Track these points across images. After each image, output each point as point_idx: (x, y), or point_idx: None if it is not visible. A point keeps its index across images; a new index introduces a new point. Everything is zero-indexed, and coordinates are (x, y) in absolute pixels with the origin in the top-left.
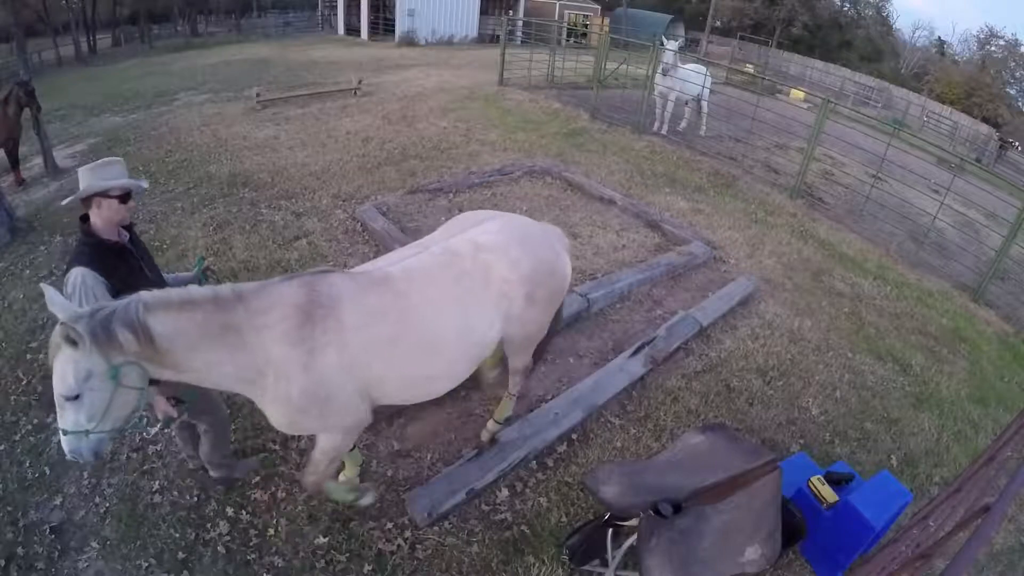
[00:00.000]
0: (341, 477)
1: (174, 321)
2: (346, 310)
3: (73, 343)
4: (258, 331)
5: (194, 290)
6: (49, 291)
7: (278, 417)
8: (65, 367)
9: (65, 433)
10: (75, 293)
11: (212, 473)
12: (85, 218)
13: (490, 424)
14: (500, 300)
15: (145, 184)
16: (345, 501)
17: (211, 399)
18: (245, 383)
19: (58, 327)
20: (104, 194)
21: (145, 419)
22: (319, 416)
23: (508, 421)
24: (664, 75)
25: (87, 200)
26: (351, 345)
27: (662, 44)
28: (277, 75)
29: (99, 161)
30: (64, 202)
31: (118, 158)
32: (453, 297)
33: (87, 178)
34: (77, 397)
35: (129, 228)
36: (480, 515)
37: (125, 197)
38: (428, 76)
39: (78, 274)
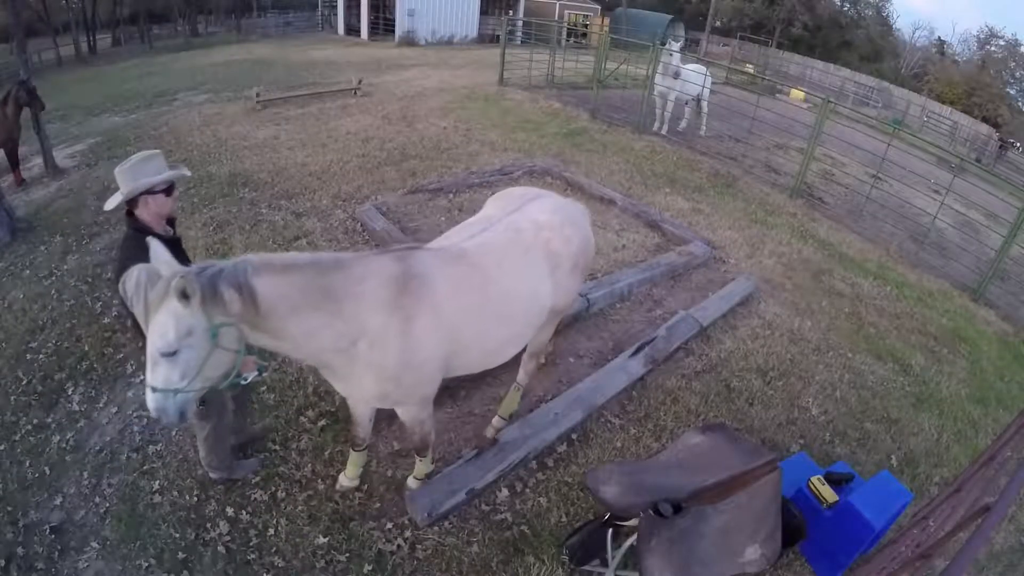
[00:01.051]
0: (341, 477)
1: (278, 284)
2: (437, 281)
3: (185, 297)
4: (356, 299)
5: (297, 255)
6: (155, 244)
7: (369, 387)
8: (167, 322)
9: (154, 390)
10: (140, 290)
11: (212, 475)
12: (130, 213)
13: (495, 420)
14: (554, 271)
15: (187, 172)
16: (424, 472)
17: (220, 401)
18: (336, 353)
19: (168, 281)
20: (150, 191)
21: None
22: (411, 385)
23: (512, 417)
24: (675, 78)
25: (133, 199)
26: (443, 314)
27: (666, 46)
28: (277, 75)
29: (136, 157)
30: (109, 206)
31: (156, 151)
32: (522, 268)
33: (128, 177)
34: (174, 354)
35: (171, 222)
36: (480, 515)
37: (169, 189)
38: (428, 76)
39: (141, 271)
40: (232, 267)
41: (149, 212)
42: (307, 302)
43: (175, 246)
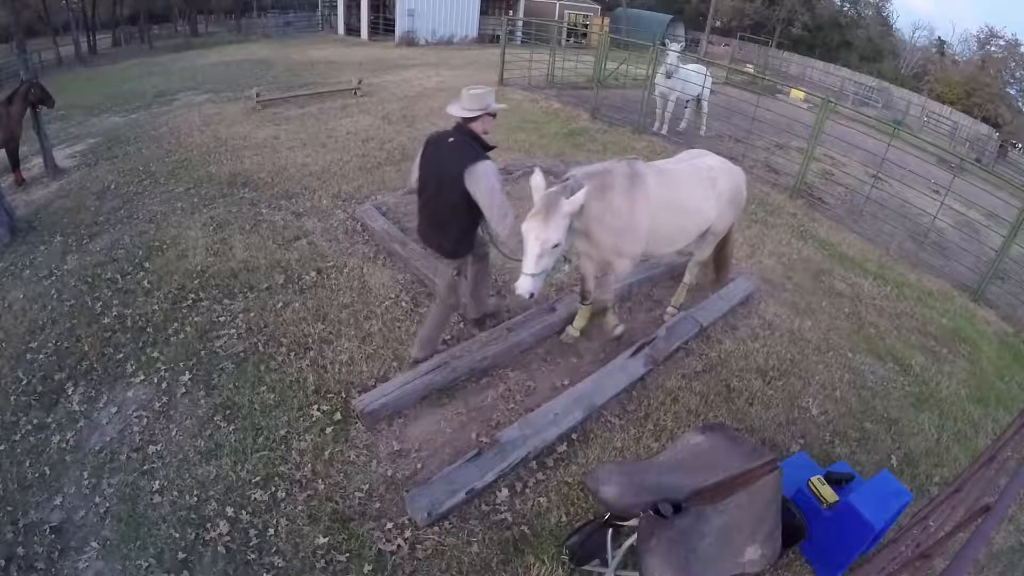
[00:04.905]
0: (569, 328)
1: (589, 190)
2: (650, 181)
3: (570, 204)
4: (611, 189)
5: (589, 167)
6: (537, 178)
7: (607, 241)
8: (559, 223)
9: (532, 276)
10: (487, 175)
11: (471, 314)
12: (463, 124)
13: (669, 310)
14: (717, 199)
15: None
16: (610, 325)
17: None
18: (595, 222)
19: (557, 197)
20: (487, 112)
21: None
22: (629, 242)
23: (680, 307)
24: (668, 77)
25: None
26: (653, 201)
27: (664, 45)
28: (277, 75)
29: (480, 89)
30: (452, 112)
31: (491, 88)
32: (696, 189)
33: (476, 99)
34: (556, 245)
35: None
36: (480, 515)
37: (494, 115)
38: (428, 76)
39: (489, 165)
40: (574, 182)
41: (481, 126)
42: (594, 195)
43: (487, 149)
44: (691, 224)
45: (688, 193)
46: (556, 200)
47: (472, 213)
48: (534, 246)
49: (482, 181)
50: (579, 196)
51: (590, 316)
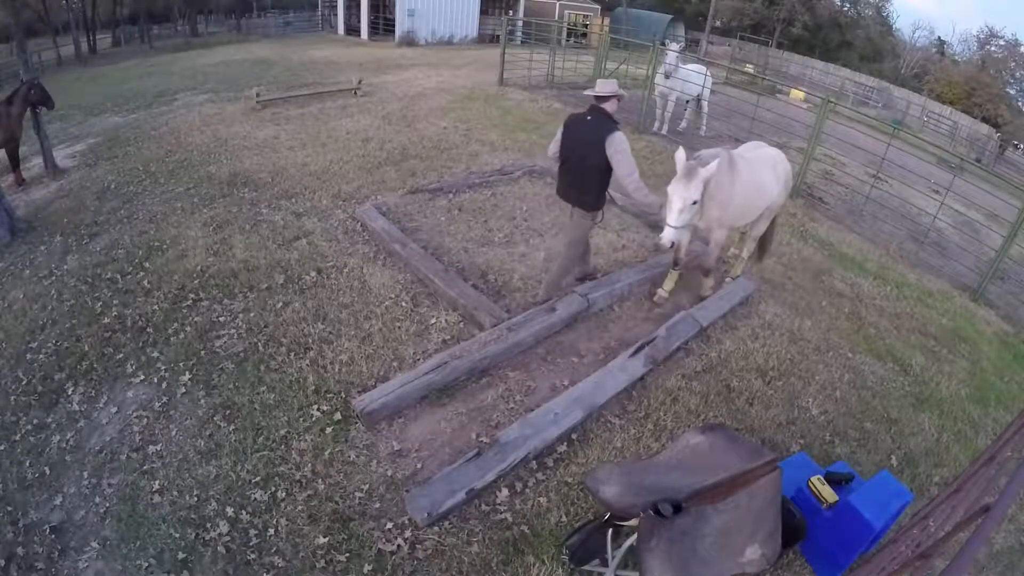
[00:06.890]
0: (660, 290)
1: (715, 171)
2: (741, 165)
3: (707, 171)
4: (721, 172)
5: (705, 151)
6: (681, 153)
7: (714, 213)
8: (697, 185)
9: (674, 228)
10: (622, 142)
11: (577, 274)
12: (597, 105)
13: (727, 280)
14: (777, 180)
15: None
16: (707, 287)
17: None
18: (708, 197)
19: (696, 165)
20: (617, 96)
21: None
22: (728, 215)
23: (736, 279)
24: (667, 77)
25: (606, 97)
26: (743, 180)
27: (664, 45)
28: (277, 75)
29: (611, 79)
30: (588, 92)
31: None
32: (765, 173)
33: (610, 85)
34: (695, 203)
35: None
36: (480, 515)
37: (620, 98)
38: (428, 76)
39: (622, 135)
40: (705, 158)
41: (612, 107)
42: (715, 177)
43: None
44: (764, 201)
45: (763, 176)
46: (695, 167)
47: (608, 174)
48: (677, 203)
49: (618, 146)
50: (713, 165)
51: (678, 279)
